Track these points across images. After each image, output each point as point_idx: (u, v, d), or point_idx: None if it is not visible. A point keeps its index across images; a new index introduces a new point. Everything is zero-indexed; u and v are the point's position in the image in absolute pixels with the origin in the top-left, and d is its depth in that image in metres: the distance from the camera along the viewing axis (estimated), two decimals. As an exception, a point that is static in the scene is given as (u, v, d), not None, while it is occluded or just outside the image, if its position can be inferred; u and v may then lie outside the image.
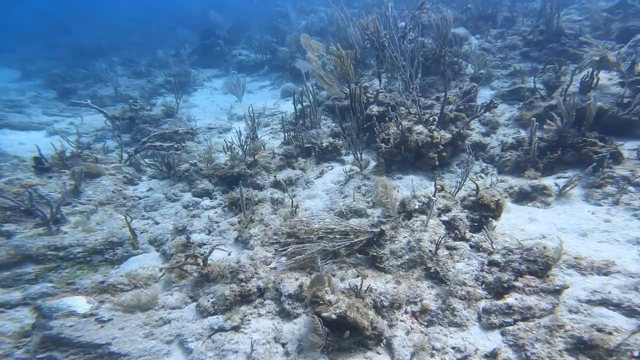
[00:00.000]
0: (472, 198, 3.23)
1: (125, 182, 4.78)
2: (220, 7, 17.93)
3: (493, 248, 2.81)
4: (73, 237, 3.93)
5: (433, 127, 4.35)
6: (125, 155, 5.24)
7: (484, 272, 2.68)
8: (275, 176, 4.76)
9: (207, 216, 4.35)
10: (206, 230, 4.20)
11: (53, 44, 16.18)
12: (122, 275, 3.68)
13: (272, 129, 6.96)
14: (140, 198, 4.68)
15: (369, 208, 4.18)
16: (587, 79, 4.44)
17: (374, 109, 4.99)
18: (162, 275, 3.42)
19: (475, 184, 3.19)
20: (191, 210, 4.56)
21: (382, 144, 4.15)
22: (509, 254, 2.66)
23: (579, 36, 7.10)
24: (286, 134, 5.54)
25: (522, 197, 3.66)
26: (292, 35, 11.45)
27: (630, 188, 3.29)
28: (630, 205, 3.18)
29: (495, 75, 6.92)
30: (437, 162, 4.32)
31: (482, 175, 4.38)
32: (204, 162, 5.14)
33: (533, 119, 3.85)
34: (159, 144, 5.12)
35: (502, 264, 2.64)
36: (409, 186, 4.29)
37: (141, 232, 4.23)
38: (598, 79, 4.31)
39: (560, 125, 3.85)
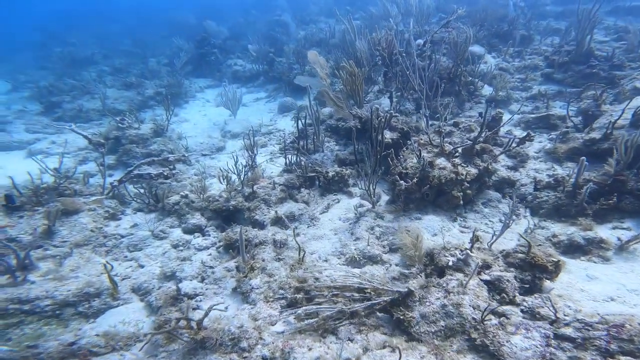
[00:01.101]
0: (521, 255, 2.80)
1: (106, 218, 4.29)
2: (216, 16, 17.60)
3: (557, 317, 2.36)
4: (41, 287, 3.43)
5: (456, 160, 3.93)
6: (107, 185, 4.75)
7: (552, 348, 2.22)
8: (276, 211, 4.29)
9: (199, 260, 3.86)
10: (199, 277, 3.71)
11: (46, 53, 15.73)
12: (97, 335, 3.19)
13: (270, 152, 6.50)
14: (123, 236, 4.19)
15: (385, 253, 3.73)
16: None
17: (387, 135, 4.57)
18: (146, 343, 2.92)
19: (527, 241, 2.75)
20: (181, 250, 4.07)
21: (402, 181, 3.72)
22: (587, 329, 2.21)
23: (611, 59, 6.78)
24: (287, 159, 5.08)
25: (573, 249, 3.24)
26: (291, 46, 11.09)
27: None
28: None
29: (514, 98, 6.56)
30: (461, 202, 3.89)
31: (512, 217, 3.94)
32: (196, 193, 4.67)
33: (582, 158, 3.45)
34: (146, 172, 4.64)
35: (578, 340, 2.19)
36: (430, 228, 3.85)
37: (123, 279, 3.74)
38: None
39: (614, 165, 3.44)
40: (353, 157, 5.09)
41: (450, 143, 4.34)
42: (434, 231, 3.84)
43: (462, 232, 3.84)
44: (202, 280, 3.69)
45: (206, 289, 3.56)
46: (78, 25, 21.38)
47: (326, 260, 3.76)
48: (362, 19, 14.61)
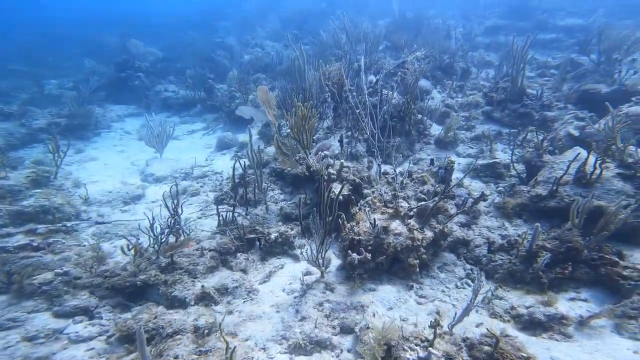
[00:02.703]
0: (487, 348, 2.52)
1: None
2: (149, 36, 16.17)
3: None
4: None
5: (412, 222, 3.68)
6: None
7: None
8: (203, 285, 3.62)
9: (71, 356, 2.96)
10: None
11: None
12: None
13: (204, 202, 5.64)
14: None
15: (336, 335, 3.27)
16: (586, 167, 4.12)
17: (337, 190, 4.19)
18: None
19: (495, 335, 2.48)
20: (40, 344, 3.10)
21: (354, 255, 3.33)
22: None
23: (541, 97, 7.24)
24: (220, 217, 4.42)
25: (534, 325, 3.07)
26: (234, 73, 10.40)
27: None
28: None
29: (460, 139, 6.70)
30: (417, 269, 3.61)
31: (468, 281, 3.77)
32: (84, 267, 3.75)
33: (537, 225, 3.40)
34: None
35: None
36: (386, 301, 3.50)
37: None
38: (602, 170, 4.02)
39: (566, 232, 3.40)
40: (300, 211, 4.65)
41: (405, 198, 4.10)
42: (390, 304, 3.50)
43: (419, 303, 3.54)
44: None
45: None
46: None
47: (264, 349, 3.19)
48: (311, 44, 14.58)
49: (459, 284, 3.78)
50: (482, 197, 3.76)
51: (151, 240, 3.83)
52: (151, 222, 3.82)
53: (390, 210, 3.77)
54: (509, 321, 3.27)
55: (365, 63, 8.72)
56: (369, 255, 3.33)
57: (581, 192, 4.09)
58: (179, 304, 3.55)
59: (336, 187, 4.29)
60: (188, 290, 3.62)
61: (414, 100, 6.08)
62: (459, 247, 4.03)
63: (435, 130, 6.95)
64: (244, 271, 3.98)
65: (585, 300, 3.29)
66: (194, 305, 3.55)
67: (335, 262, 4.04)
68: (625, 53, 8.58)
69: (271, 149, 6.35)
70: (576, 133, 5.88)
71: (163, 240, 3.81)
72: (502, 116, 7.35)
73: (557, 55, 12.40)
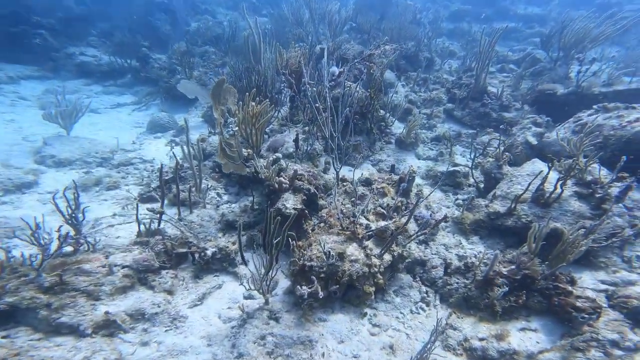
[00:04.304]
0: None
1: None
2: None
3: None
4: None
5: (369, 245, 3.43)
6: None
7: None
8: (107, 312, 3.04)
9: None
10: None
11: None
12: None
13: (123, 198, 4.67)
14: None
15: (279, 376, 2.98)
16: (544, 185, 4.10)
17: (289, 203, 3.81)
18: None
19: None
20: None
21: (305, 289, 3.00)
22: None
23: (500, 97, 7.28)
24: (141, 225, 3.72)
25: None
26: (181, 45, 9.17)
27: (618, 352, 2.89)
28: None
29: (421, 139, 6.56)
30: (372, 296, 3.41)
31: (423, 306, 3.65)
32: None
33: (497, 252, 3.28)
34: None
35: None
36: (337, 333, 3.25)
37: None
38: (562, 190, 4.01)
39: (522, 257, 3.35)
40: (245, 218, 4.20)
41: (362, 212, 3.82)
42: (341, 336, 3.25)
43: (372, 334, 3.33)
44: None
45: None
46: None
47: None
48: (270, 17, 13.56)
49: (414, 308, 3.64)
50: (444, 219, 3.61)
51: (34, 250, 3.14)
52: (35, 224, 3.12)
53: (347, 232, 3.48)
54: (461, 355, 3.19)
55: (328, 48, 8.21)
56: (320, 291, 3.02)
57: (539, 212, 4.11)
58: (69, 332, 2.93)
59: (287, 199, 3.90)
60: (84, 315, 2.98)
61: (378, 96, 5.76)
62: (415, 267, 3.89)
63: (397, 128, 6.76)
64: (170, 292, 3.43)
65: (535, 331, 3.30)
66: (90, 335, 2.93)
67: (284, 283, 3.70)
68: (582, 50, 8.44)
69: (215, 138, 5.73)
70: (534, 141, 5.99)
71: (55, 252, 3.15)
72: (463, 115, 7.35)
73: (516, 47, 12.69)
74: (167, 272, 3.51)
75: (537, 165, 4.94)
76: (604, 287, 3.65)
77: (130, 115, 7.34)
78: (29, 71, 8.50)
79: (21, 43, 9.11)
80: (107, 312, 3.02)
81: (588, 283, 3.72)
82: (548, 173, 4.23)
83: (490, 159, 5.28)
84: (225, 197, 4.71)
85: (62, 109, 5.68)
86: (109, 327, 3.02)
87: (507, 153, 5.23)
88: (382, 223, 3.69)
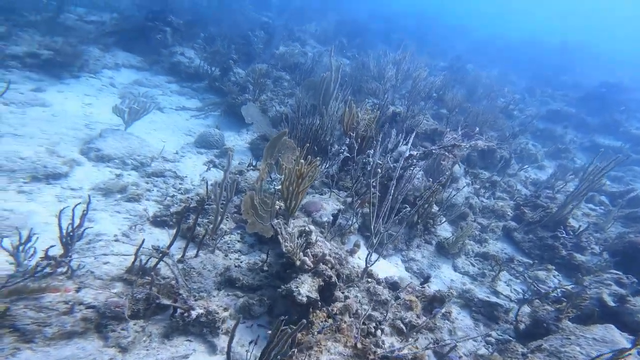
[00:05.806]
0: None
1: None
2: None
3: None
4: None
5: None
6: None
7: None
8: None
9: None
10: None
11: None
12: None
13: (137, 215, 4.32)
14: None
15: None
16: None
17: (304, 288, 3.40)
18: None
19: None
20: None
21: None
22: None
23: (580, 235, 6.42)
24: (137, 260, 3.35)
25: None
26: (262, 65, 9.49)
27: None
28: None
29: (466, 250, 5.86)
30: None
31: None
32: None
33: None
34: None
35: None
36: None
37: None
38: None
39: None
40: (251, 281, 3.85)
41: (378, 323, 3.31)
42: None
43: None
44: None
45: None
46: None
47: None
48: (352, 60, 13.82)
49: None
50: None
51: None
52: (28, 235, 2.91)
53: (359, 346, 2.99)
54: None
55: (400, 114, 7.97)
56: None
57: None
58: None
59: (304, 281, 3.50)
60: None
61: (438, 191, 5.29)
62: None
63: (443, 230, 6.13)
64: (124, 350, 2.89)
65: None
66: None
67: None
68: None
69: (253, 174, 5.56)
70: (611, 302, 5.09)
71: (22, 277, 2.78)
72: (523, 239, 6.51)
73: (614, 174, 11.01)
74: (134, 324, 3.05)
75: (612, 333, 4.08)
76: None
77: (187, 120, 7.44)
78: (134, 61, 9.15)
79: (148, 36, 9.89)
80: None
81: None
82: (631, 350, 3.44)
83: (549, 307, 4.53)
84: (238, 246, 4.38)
85: (132, 106, 5.85)
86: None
87: (573, 310, 4.45)
88: (397, 345, 3.16)
